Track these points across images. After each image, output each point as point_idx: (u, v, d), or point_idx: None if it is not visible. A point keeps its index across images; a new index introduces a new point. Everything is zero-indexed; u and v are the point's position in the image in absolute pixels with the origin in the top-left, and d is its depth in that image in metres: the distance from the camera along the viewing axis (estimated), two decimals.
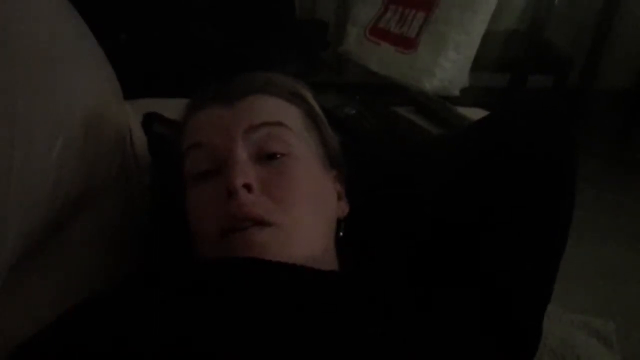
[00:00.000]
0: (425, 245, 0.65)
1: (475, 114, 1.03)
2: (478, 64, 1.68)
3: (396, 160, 0.75)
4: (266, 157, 0.59)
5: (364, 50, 1.77)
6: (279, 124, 0.60)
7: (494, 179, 0.66)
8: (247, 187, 0.55)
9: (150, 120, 0.70)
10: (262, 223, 0.54)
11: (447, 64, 1.60)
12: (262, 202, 0.55)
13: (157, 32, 1.53)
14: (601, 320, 0.81)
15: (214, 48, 1.56)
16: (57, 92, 0.60)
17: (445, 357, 0.51)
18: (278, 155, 0.59)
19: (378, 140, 0.94)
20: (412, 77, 1.60)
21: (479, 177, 0.67)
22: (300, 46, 1.83)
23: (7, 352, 0.46)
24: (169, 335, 0.43)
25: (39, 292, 0.58)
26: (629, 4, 2.19)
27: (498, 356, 0.57)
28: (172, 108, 0.76)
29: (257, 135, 0.59)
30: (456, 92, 1.63)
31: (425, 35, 1.62)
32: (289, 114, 0.63)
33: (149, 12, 1.51)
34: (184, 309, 0.46)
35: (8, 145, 0.52)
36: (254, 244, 0.53)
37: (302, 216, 0.57)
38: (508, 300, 0.62)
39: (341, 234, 0.64)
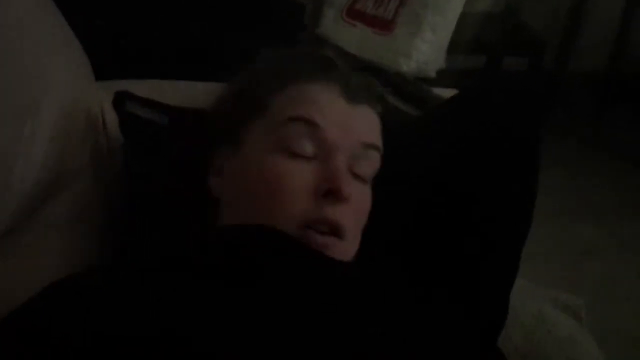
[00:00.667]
0: (406, 228, 0.66)
1: (451, 94, 1.04)
2: (454, 46, 1.69)
3: None
4: (355, 174, 0.59)
5: (341, 32, 1.76)
6: (378, 149, 0.62)
7: (462, 159, 0.67)
8: (348, 198, 0.55)
9: (122, 99, 0.69)
10: (340, 235, 0.56)
11: (423, 45, 1.61)
12: (349, 216, 0.56)
13: (132, 18, 1.51)
14: (571, 296, 0.83)
15: (189, 32, 1.54)
16: (25, 76, 0.59)
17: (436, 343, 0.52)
18: (363, 180, 0.60)
19: None
20: (389, 58, 1.61)
21: (449, 157, 0.68)
22: (277, 28, 1.81)
23: None
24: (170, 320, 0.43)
25: (13, 276, 0.57)
26: None
27: (466, 328, 0.58)
28: (145, 89, 0.75)
29: (361, 153, 0.59)
30: (432, 74, 1.63)
31: (401, 16, 1.62)
32: (380, 133, 0.64)
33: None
34: (190, 293, 0.46)
35: None
36: (328, 251, 0.54)
37: (359, 236, 0.60)
38: (475, 275, 0.63)
39: None
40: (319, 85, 0.60)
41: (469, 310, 0.60)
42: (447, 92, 1.12)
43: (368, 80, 0.66)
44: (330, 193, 0.55)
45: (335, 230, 0.55)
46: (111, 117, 0.71)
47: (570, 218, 1.80)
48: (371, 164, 0.61)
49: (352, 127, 0.59)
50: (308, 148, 0.57)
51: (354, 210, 0.58)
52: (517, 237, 0.65)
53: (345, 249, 0.57)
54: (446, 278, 0.62)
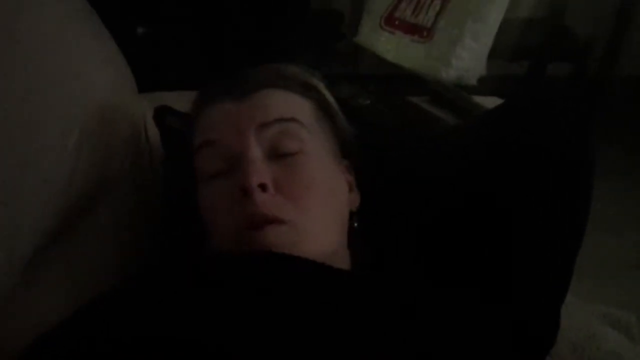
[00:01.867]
0: (439, 237, 0.64)
1: (493, 103, 1.01)
2: (495, 52, 1.66)
3: (412, 151, 0.75)
4: (279, 155, 0.58)
5: (379, 40, 1.75)
6: (292, 119, 0.60)
7: (507, 171, 0.65)
8: (262, 186, 0.54)
9: (162, 114, 0.70)
10: (277, 221, 0.54)
11: (463, 52, 1.58)
12: (277, 201, 0.55)
13: (173, 26, 1.54)
14: (622, 312, 0.80)
15: (229, 41, 1.56)
16: (72, 85, 0.60)
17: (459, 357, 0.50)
18: (291, 154, 0.58)
19: (393, 130, 0.94)
20: (428, 66, 1.59)
21: (492, 168, 0.66)
22: (315, 37, 1.82)
23: (26, 345, 0.46)
24: (182, 329, 0.43)
25: (56, 285, 0.58)
26: None
27: (514, 351, 0.56)
28: (186, 100, 0.75)
29: (270, 132, 0.58)
30: (473, 81, 1.61)
31: (441, 23, 1.60)
32: (301, 108, 0.62)
33: (165, 5, 1.52)
34: (198, 303, 0.46)
35: (24, 139, 0.53)
36: (269, 242, 0.53)
37: (316, 213, 0.57)
38: (523, 294, 0.61)
39: (356, 225, 0.64)
40: (212, 105, 0.61)
41: (518, 327, 0.58)
42: (487, 100, 1.10)
43: (257, 69, 0.64)
44: (243, 192, 0.54)
45: (271, 220, 0.54)
46: (153, 129, 0.72)
47: (620, 229, 1.73)
48: (293, 135, 0.59)
49: (245, 119, 0.58)
50: (221, 165, 0.58)
51: (290, 187, 0.56)
52: (570, 249, 0.63)
53: (296, 229, 0.55)
54: (492, 293, 0.60)
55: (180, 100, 0.75)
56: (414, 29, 1.66)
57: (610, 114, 1.99)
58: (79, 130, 0.59)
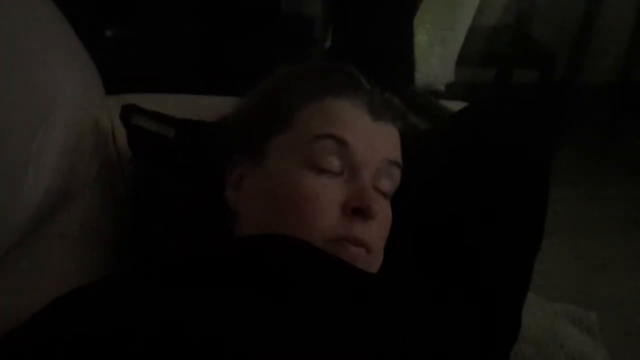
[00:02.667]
0: (417, 241, 0.66)
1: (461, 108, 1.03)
2: (463, 59, 1.69)
3: None
4: (377, 190, 0.60)
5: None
6: (399, 166, 0.63)
7: (473, 172, 0.67)
8: (376, 215, 0.56)
9: (129, 113, 0.69)
10: (368, 251, 0.57)
11: (432, 59, 1.61)
12: (375, 232, 0.58)
13: (143, 28, 1.52)
14: (583, 310, 0.82)
15: (198, 44, 1.55)
16: (37, 86, 0.60)
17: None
18: (386, 196, 0.61)
19: None
20: None
21: (460, 170, 0.68)
22: (288, 41, 1.83)
23: None
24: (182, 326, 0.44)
25: (22, 288, 0.57)
26: None
27: (478, 345, 0.58)
28: (155, 103, 0.75)
29: (385, 169, 0.61)
30: (442, 87, 1.64)
31: None
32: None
33: (134, 8, 1.50)
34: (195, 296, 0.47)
35: None
36: (354, 261, 0.55)
37: (382, 251, 0.60)
38: (490, 288, 0.62)
39: None
40: (345, 101, 0.60)
41: (484, 324, 0.60)
42: (456, 105, 1.12)
43: (390, 98, 0.66)
44: (360, 211, 0.56)
45: (362, 245, 0.57)
46: (121, 131, 0.72)
47: (582, 231, 1.78)
48: (393, 180, 0.62)
49: (377, 144, 0.60)
50: (336, 165, 0.58)
51: (379, 226, 0.59)
52: (529, 250, 0.65)
53: (372, 263, 0.58)
54: (463, 289, 0.62)
55: (149, 103, 0.75)
56: None
57: (576, 120, 2.05)
58: (43, 131, 0.58)
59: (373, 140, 0.60)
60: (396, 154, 0.63)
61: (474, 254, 0.64)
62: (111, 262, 0.67)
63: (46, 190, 0.58)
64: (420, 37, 1.60)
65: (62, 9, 0.70)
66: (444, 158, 0.70)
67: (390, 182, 0.61)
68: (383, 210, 0.59)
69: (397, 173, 0.62)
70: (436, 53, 1.62)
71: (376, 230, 0.58)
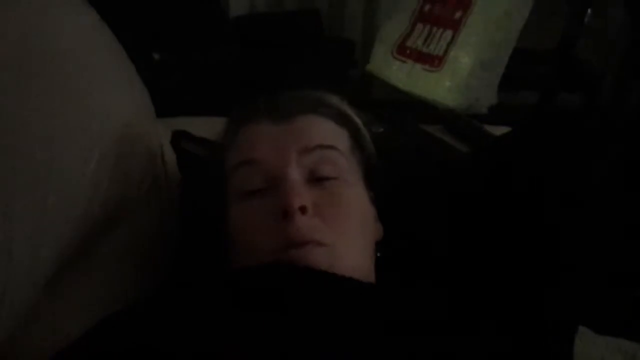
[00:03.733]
0: (459, 264, 0.65)
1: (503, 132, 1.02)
2: (506, 82, 1.67)
3: (425, 179, 0.75)
4: (317, 179, 0.59)
5: (391, 69, 1.77)
6: (332, 147, 0.61)
7: (521, 196, 0.66)
8: (302, 209, 0.55)
9: (178, 138, 0.71)
10: (316, 244, 0.55)
11: (474, 81, 1.60)
12: (316, 225, 0.56)
13: (188, 53, 1.57)
14: (636, 344, 0.79)
15: (243, 68, 1.59)
16: (91, 111, 0.61)
17: None
18: (329, 178, 0.60)
19: (406, 158, 0.95)
20: (439, 94, 1.60)
21: (504, 194, 0.67)
22: (328, 65, 1.85)
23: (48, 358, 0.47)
24: (211, 343, 0.44)
25: (74, 307, 0.59)
26: None
27: None
28: (202, 126, 0.77)
29: (311, 158, 0.60)
30: (484, 110, 1.62)
31: (452, 52, 1.62)
32: (340, 137, 0.64)
33: (181, 33, 1.55)
34: (226, 318, 0.47)
35: (44, 163, 0.54)
36: (308, 262, 0.53)
37: (353, 239, 0.58)
38: (540, 324, 0.61)
39: (378, 254, 0.64)
40: (251, 124, 0.63)
41: (531, 356, 0.58)
42: (498, 129, 1.11)
43: (298, 93, 0.66)
44: (284, 214, 0.55)
45: (311, 243, 0.55)
46: (170, 154, 0.74)
47: None
48: (331, 161, 0.61)
49: (287, 142, 0.60)
50: (258, 184, 0.59)
51: (328, 211, 0.57)
52: (581, 282, 0.63)
53: (334, 252, 0.56)
54: (512, 318, 0.61)
55: (196, 126, 0.76)
56: (425, 58, 1.68)
57: (621, 144, 1.99)
58: (98, 153, 0.60)
59: (281, 141, 0.60)
60: (319, 138, 0.61)
61: (523, 281, 0.62)
62: (158, 283, 0.68)
63: (99, 211, 0.60)
64: (463, 60, 1.60)
65: (112, 32, 0.72)
66: (488, 182, 0.69)
67: (330, 165, 0.60)
68: (327, 195, 0.58)
69: (323, 154, 0.60)
70: (478, 75, 1.60)
71: (319, 221, 0.56)
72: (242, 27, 1.90)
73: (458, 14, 1.64)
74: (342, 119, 0.66)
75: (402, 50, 1.76)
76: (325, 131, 0.63)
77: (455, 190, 0.70)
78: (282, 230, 0.54)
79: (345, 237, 0.57)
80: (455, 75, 1.60)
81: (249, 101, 0.67)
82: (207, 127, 0.78)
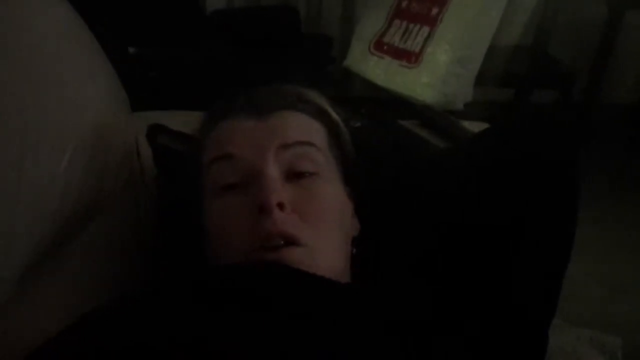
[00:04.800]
0: (436, 256, 0.65)
1: (480, 128, 1.03)
2: (482, 79, 1.69)
3: (403, 173, 0.76)
4: (295, 176, 0.59)
5: (368, 65, 1.78)
6: (310, 143, 0.61)
7: (500, 191, 0.66)
8: (280, 205, 0.55)
9: (154, 132, 0.71)
10: (293, 242, 0.55)
11: (451, 78, 1.61)
12: (293, 220, 0.56)
13: (165, 47, 1.55)
14: (607, 335, 0.81)
15: (221, 63, 1.57)
16: (65, 104, 0.61)
17: None
18: (307, 174, 0.59)
19: (384, 153, 0.95)
20: (416, 90, 1.61)
21: (485, 189, 0.67)
22: (307, 61, 1.84)
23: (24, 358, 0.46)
24: (186, 340, 0.44)
25: (48, 301, 0.58)
26: (632, 18, 2.21)
27: None
28: (179, 121, 0.76)
29: (288, 154, 0.59)
30: (460, 106, 1.63)
31: (429, 49, 1.63)
32: (318, 133, 0.64)
33: (158, 27, 1.53)
34: (201, 315, 0.47)
35: (18, 156, 0.53)
36: (284, 262, 0.53)
37: (330, 236, 0.58)
38: (514, 308, 0.62)
39: (354, 251, 0.64)
40: (229, 120, 0.62)
41: (505, 347, 0.59)
42: (475, 125, 1.12)
43: (277, 89, 0.66)
44: (261, 209, 0.55)
45: (288, 239, 0.55)
46: (145, 148, 0.73)
47: (602, 254, 1.75)
48: (309, 158, 0.60)
49: (265, 138, 0.59)
50: (234, 179, 0.58)
51: (305, 208, 0.57)
52: (556, 272, 0.64)
53: (311, 252, 0.55)
54: (481, 310, 0.61)
55: (172, 120, 0.76)
56: (402, 54, 1.69)
57: (594, 140, 2.03)
58: (73, 147, 0.59)
59: (259, 137, 0.59)
60: (297, 134, 0.61)
61: (503, 271, 0.63)
62: (135, 277, 0.67)
63: (74, 205, 0.59)
64: (439, 56, 1.61)
65: (87, 26, 0.71)
66: (468, 176, 0.69)
67: (307, 161, 0.60)
68: (305, 191, 0.58)
69: (300, 151, 0.60)
70: (455, 72, 1.62)
71: (297, 217, 0.56)
72: (220, 22, 1.89)
73: (435, 11, 1.65)
74: (320, 115, 0.66)
75: (379, 47, 1.77)
76: (303, 127, 0.63)
77: (433, 186, 0.71)
78: (259, 226, 0.54)
79: (322, 234, 0.57)
80: (432, 71, 1.62)
81: (227, 96, 0.66)
82: (184, 121, 0.77)
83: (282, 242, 0.54)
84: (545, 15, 2.22)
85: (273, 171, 0.57)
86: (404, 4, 1.75)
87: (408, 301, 0.57)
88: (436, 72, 1.61)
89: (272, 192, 0.55)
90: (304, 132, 0.62)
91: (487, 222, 0.65)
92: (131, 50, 1.51)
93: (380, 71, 1.74)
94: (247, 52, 1.62)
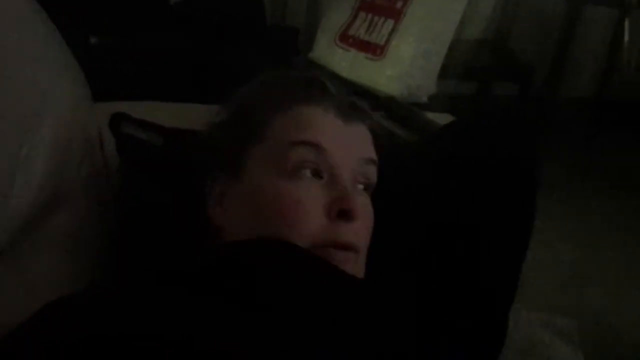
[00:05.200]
0: (414, 248, 0.67)
1: (444, 119, 1.05)
2: (445, 72, 1.72)
3: None
4: (357, 189, 0.62)
5: (333, 57, 1.79)
6: (375, 163, 0.64)
7: (463, 183, 0.68)
8: (356, 215, 0.57)
9: (118, 121, 0.69)
10: (356, 250, 0.58)
11: (415, 71, 1.64)
12: (361, 232, 0.59)
13: (127, 37, 1.52)
14: (564, 319, 0.84)
15: (183, 53, 1.56)
16: (24, 95, 0.59)
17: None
18: (368, 190, 0.63)
19: None
20: (382, 83, 1.63)
21: (449, 181, 0.69)
22: (272, 52, 1.84)
23: None
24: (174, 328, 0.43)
25: (8, 293, 0.57)
26: (591, 13, 2.27)
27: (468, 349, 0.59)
28: (141, 111, 0.75)
29: (363, 167, 0.62)
30: (424, 99, 1.66)
31: (394, 42, 1.64)
32: None
33: (120, 16, 1.50)
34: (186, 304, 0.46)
35: None
36: (341, 264, 0.56)
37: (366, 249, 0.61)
38: (476, 295, 0.64)
39: None
40: (317, 107, 0.62)
41: (473, 332, 0.61)
42: (440, 117, 1.14)
43: (357, 99, 0.67)
44: (343, 213, 0.57)
45: (355, 248, 0.58)
46: (108, 138, 0.72)
47: (560, 242, 1.81)
48: (371, 177, 0.63)
49: (350, 146, 0.61)
50: (314, 169, 0.59)
51: (363, 225, 0.60)
52: (515, 260, 0.66)
53: (360, 264, 0.59)
54: (451, 298, 0.64)
55: (135, 110, 0.75)
56: (367, 47, 1.70)
57: (553, 133, 2.09)
58: (31, 139, 0.58)
59: (346, 142, 0.61)
60: (370, 151, 0.64)
61: (461, 262, 0.65)
62: (97, 269, 0.66)
63: (34, 197, 0.58)
64: (404, 50, 1.63)
65: (48, 15, 0.70)
66: (433, 170, 0.71)
67: (368, 179, 0.63)
68: (365, 209, 0.61)
69: (373, 169, 0.63)
70: (419, 65, 1.64)
71: (362, 230, 0.59)
72: (183, 12, 1.86)
73: (399, 4, 1.67)
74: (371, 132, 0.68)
75: (345, 39, 1.78)
76: (372, 145, 0.65)
77: (401, 179, 0.72)
78: (337, 227, 0.57)
79: (366, 246, 0.61)
80: (397, 64, 1.63)
81: (305, 77, 0.66)
82: (146, 111, 0.77)
83: (343, 248, 0.57)
84: (507, 9, 2.27)
85: (354, 180, 0.61)
86: None
87: (392, 297, 0.59)
88: (401, 64, 1.63)
89: (356, 202, 0.57)
90: (373, 150, 0.64)
91: (453, 214, 0.67)
92: (93, 40, 1.48)
93: (345, 63, 1.75)
94: (210, 43, 1.61)
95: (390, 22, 1.67)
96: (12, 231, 0.56)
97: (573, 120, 2.41)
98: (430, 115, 1.16)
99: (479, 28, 2.09)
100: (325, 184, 0.59)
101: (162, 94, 0.90)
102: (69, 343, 0.41)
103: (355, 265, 0.58)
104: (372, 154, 0.64)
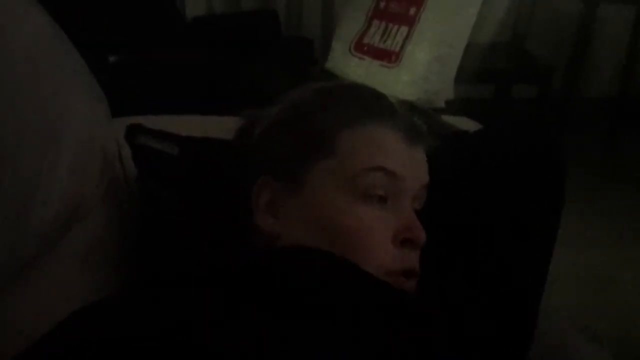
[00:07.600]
0: (441, 249, 0.67)
1: (462, 122, 1.05)
2: (461, 76, 1.71)
3: None
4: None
5: (349, 65, 1.79)
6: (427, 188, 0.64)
7: (490, 189, 0.69)
8: (423, 243, 0.59)
9: (134, 132, 0.70)
10: (417, 276, 0.59)
11: (431, 76, 1.63)
12: (419, 257, 0.60)
13: (145, 55, 1.55)
14: (591, 320, 0.82)
15: (201, 68, 1.58)
16: (44, 113, 0.60)
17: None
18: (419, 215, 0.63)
19: None
20: (398, 90, 1.63)
21: (475, 188, 0.69)
22: (288, 63, 1.85)
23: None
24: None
25: (31, 308, 0.58)
26: (607, 11, 2.24)
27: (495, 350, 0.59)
28: (159, 124, 0.76)
29: (421, 193, 0.62)
30: (441, 104, 1.65)
31: (409, 48, 1.64)
32: None
33: (137, 34, 1.53)
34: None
35: None
36: (408, 290, 0.58)
37: None
38: (508, 290, 0.64)
39: None
40: (388, 129, 0.60)
41: (503, 327, 0.61)
42: (457, 120, 1.13)
43: (420, 121, 0.67)
44: (409, 241, 0.58)
45: (415, 275, 0.59)
46: (127, 151, 0.73)
47: (584, 243, 1.77)
48: (424, 201, 0.64)
49: (416, 172, 0.61)
50: (383, 195, 0.59)
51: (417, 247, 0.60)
52: (546, 258, 0.67)
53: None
54: (481, 298, 0.64)
55: (154, 125, 0.76)
56: (382, 54, 1.70)
57: (573, 133, 2.06)
58: (51, 157, 0.59)
59: (412, 168, 0.61)
60: (427, 177, 0.63)
61: (492, 259, 0.65)
62: (120, 279, 0.67)
63: (56, 211, 0.59)
64: (419, 55, 1.63)
65: (66, 33, 0.71)
66: (460, 178, 0.71)
67: (422, 204, 0.63)
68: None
69: (425, 194, 0.63)
70: (435, 70, 1.63)
71: (419, 255, 0.60)
72: (200, 28, 1.89)
73: (412, 10, 1.67)
74: None
75: (360, 47, 1.78)
76: (427, 171, 0.64)
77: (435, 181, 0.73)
78: (404, 256, 0.58)
79: None
80: (412, 70, 1.63)
81: (370, 92, 0.65)
82: (164, 125, 0.77)
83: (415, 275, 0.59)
84: (522, 11, 2.25)
85: (414, 206, 0.61)
86: (382, 5, 1.77)
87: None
88: (416, 70, 1.63)
89: (423, 232, 0.58)
90: (428, 175, 0.64)
91: (486, 212, 0.68)
92: (111, 59, 1.51)
93: (361, 72, 1.75)
94: (228, 57, 1.62)
95: (404, 29, 1.68)
96: (34, 247, 0.57)
97: (594, 120, 2.38)
98: (448, 118, 1.15)
99: (494, 31, 2.08)
100: (390, 209, 0.59)
101: (180, 109, 0.91)
102: (97, 350, 0.42)
103: (413, 291, 0.59)
104: (427, 180, 0.63)
